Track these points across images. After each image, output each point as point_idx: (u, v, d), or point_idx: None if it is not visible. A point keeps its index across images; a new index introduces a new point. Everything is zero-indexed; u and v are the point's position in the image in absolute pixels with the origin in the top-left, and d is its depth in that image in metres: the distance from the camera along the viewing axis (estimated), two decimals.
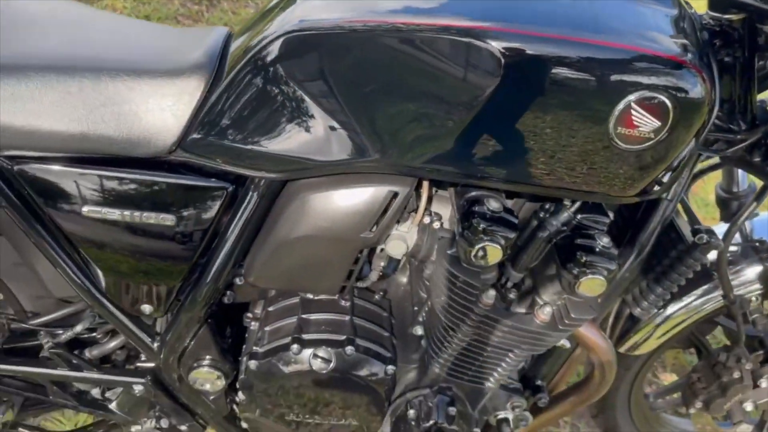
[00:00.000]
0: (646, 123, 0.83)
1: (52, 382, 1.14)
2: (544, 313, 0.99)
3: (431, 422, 1.10)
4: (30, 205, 0.96)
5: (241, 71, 0.90)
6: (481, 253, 0.91)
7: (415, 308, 1.17)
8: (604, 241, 0.95)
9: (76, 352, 1.14)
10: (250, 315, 1.17)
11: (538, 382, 1.22)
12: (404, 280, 1.22)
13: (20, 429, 1.15)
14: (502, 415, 1.19)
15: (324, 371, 1.07)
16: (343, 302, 1.14)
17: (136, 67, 0.93)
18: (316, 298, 1.14)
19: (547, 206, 0.99)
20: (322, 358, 1.07)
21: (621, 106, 0.81)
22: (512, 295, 1.00)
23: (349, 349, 1.06)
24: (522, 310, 1.01)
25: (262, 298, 1.18)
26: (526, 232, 0.99)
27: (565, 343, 1.09)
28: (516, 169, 0.89)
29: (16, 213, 0.96)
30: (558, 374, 1.22)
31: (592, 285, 0.93)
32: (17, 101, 0.89)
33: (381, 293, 1.19)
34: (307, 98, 0.89)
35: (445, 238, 1.00)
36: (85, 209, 0.95)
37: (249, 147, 0.92)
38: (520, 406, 1.18)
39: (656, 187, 0.92)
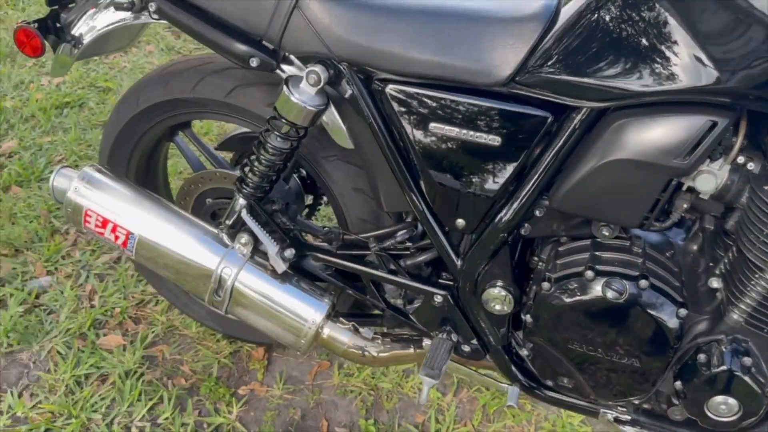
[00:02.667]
0: None
1: (371, 282, 1.37)
2: None
3: (723, 368, 1.09)
4: (387, 122, 1.21)
5: (575, 16, 1.05)
6: None
7: (710, 264, 1.18)
8: None
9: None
10: (536, 258, 1.29)
11: None
12: (694, 248, 1.24)
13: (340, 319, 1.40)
14: None
15: (616, 301, 1.13)
16: (635, 248, 1.20)
17: (485, 14, 1.14)
18: (607, 242, 1.21)
19: None
20: (615, 288, 1.13)
21: None
22: None
23: (644, 282, 1.11)
24: None
25: (550, 241, 1.29)
26: None
27: None
28: None
29: (377, 128, 1.21)
30: None
31: None
32: (396, 34, 1.15)
33: (671, 253, 1.23)
34: (632, 30, 1.00)
35: (760, 177, 1.02)
36: (432, 125, 1.17)
37: (576, 79, 1.06)
38: None
39: None
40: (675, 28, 0.98)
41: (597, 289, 1.15)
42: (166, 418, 1.66)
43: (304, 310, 1.34)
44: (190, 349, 1.85)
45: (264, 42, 1.22)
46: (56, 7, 1.48)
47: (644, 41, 1.00)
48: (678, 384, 1.16)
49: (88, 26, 1.45)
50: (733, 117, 1.00)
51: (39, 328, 1.88)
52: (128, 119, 1.53)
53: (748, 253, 1.03)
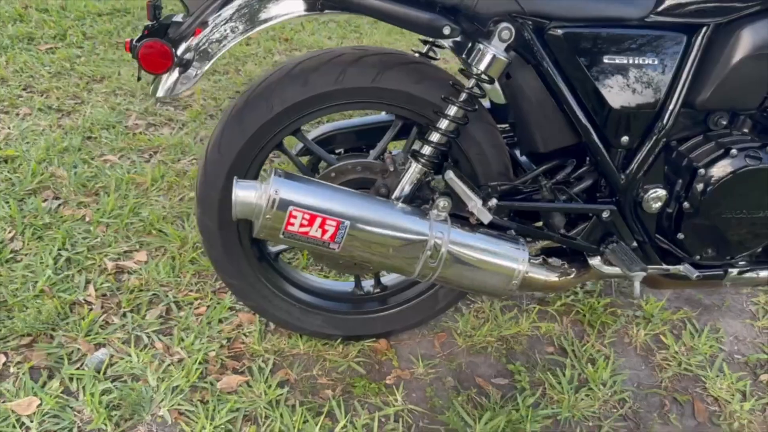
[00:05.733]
0: None
1: (544, 215, 1.53)
2: None
3: None
4: (558, 63, 1.41)
5: None
6: None
7: None
8: None
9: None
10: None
11: None
12: None
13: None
14: None
15: (758, 166, 1.47)
16: (739, 132, 1.55)
17: None
18: (718, 132, 1.54)
19: None
20: (754, 156, 1.47)
21: None
22: None
23: None
24: None
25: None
26: None
27: None
28: None
29: (550, 70, 1.40)
30: None
31: None
32: None
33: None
34: None
35: None
36: (601, 57, 1.39)
37: (700, 4, 1.38)
38: None
39: None
40: None
41: (743, 161, 1.47)
42: (343, 427, 1.61)
43: (512, 255, 1.45)
44: (314, 364, 1.78)
45: (455, 8, 1.33)
46: (155, 22, 1.38)
47: None
48: None
49: (210, 42, 1.38)
50: None
51: (136, 397, 1.65)
52: (259, 126, 1.47)
53: None
